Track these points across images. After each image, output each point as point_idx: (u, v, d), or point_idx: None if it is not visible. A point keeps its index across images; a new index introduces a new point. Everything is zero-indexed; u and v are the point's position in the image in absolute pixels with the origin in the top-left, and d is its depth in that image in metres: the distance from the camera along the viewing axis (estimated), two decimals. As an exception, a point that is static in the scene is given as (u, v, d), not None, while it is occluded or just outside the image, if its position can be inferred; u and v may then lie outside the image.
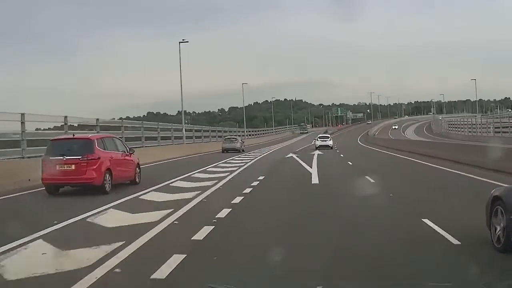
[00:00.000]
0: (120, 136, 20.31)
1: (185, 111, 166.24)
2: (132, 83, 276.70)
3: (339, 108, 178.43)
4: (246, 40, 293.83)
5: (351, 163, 24.64)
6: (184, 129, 40.11)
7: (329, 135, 55.61)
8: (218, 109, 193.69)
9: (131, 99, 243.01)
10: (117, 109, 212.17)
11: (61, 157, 13.09)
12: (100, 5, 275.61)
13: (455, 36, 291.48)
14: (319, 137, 51.78)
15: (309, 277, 5.41)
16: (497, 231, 6.54)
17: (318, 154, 34.76)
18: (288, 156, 32.49)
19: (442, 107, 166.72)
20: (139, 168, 15.82)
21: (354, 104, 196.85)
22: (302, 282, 5.20)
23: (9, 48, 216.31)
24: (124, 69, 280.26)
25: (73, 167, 13.09)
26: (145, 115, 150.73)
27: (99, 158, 13.36)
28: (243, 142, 44.15)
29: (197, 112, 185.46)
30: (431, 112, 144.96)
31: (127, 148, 15.61)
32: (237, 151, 39.19)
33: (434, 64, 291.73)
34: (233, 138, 44.08)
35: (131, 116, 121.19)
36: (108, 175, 13.54)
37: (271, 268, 5.75)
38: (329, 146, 47.36)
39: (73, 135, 14.59)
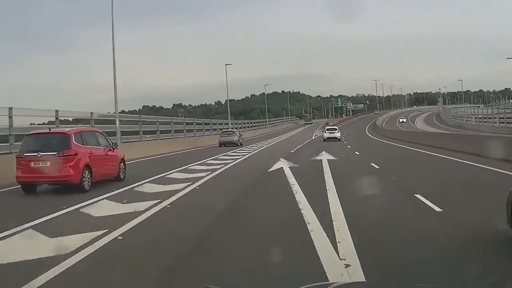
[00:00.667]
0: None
1: (180, 104, 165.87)
2: (126, 76, 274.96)
3: (339, 99, 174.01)
4: (244, 33, 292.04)
5: (430, 202, 9.09)
6: (117, 122, 27.52)
7: (336, 127, 55.13)
8: (215, 102, 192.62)
9: (126, 93, 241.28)
10: (111, 102, 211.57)
11: (36, 153, 12.24)
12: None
13: (454, 28, 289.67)
14: (327, 129, 51.89)
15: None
16: None
17: (328, 160, 20.87)
18: (274, 168, 17.47)
19: (444, 98, 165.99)
20: (124, 164, 14.95)
21: (353, 96, 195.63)
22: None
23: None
24: (119, 62, 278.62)
25: (48, 163, 12.24)
26: (141, 108, 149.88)
27: (76, 154, 12.49)
28: (241, 135, 43.13)
29: (193, 105, 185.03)
30: (438, 103, 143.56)
31: (110, 142, 14.70)
32: (234, 144, 38.27)
33: (433, 55, 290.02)
34: (230, 131, 43.20)
35: (126, 110, 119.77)
36: (87, 172, 12.69)
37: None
38: (337, 138, 47.45)
39: (49, 129, 13.65)
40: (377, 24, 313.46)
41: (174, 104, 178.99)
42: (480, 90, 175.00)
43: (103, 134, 14.87)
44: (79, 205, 9.89)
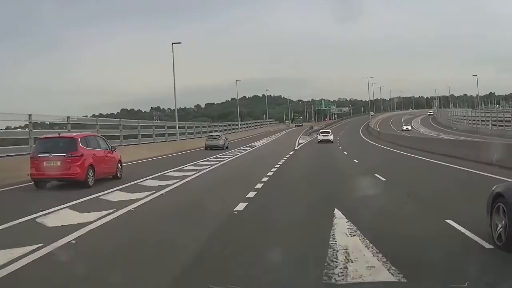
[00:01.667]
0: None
1: (158, 107, 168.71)
2: (105, 80, 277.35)
3: (323, 101, 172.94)
4: (224, 36, 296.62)
5: None
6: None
7: (329, 131, 61.87)
8: (194, 106, 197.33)
9: (105, 96, 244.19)
10: (89, 106, 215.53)
11: (48, 154, 15.14)
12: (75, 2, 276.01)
13: (441, 33, 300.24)
14: (321, 133, 59.11)
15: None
16: (498, 229, 6.66)
17: None
18: None
19: (431, 102, 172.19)
20: (121, 165, 17.99)
21: (335, 100, 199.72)
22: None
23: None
24: (98, 66, 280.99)
25: (58, 163, 15.15)
26: (119, 112, 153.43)
27: (82, 155, 15.42)
28: (226, 139, 45.80)
29: (171, 109, 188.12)
30: (434, 106, 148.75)
31: (109, 146, 17.73)
32: (220, 148, 41.06)
33: (418, 60, 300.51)
34: (216, 135, 46.01)
35: (104, 113, 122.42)
36: (91, 171, 15.61)
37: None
38: (330, 141, 53.42)
39: (59, 134, 16.63)
40: (363, 29, 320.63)
41: (152, 107, 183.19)
42: (465, 95, 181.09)
43: (103, 138, 17.93)
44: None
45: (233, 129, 76.84)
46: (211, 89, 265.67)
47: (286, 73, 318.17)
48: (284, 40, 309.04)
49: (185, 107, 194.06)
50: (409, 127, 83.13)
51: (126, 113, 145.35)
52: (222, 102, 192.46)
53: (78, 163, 15.22)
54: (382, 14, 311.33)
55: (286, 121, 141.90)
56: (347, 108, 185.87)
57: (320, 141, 53.51)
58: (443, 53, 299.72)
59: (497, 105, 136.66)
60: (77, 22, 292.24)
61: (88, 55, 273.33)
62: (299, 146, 47.03)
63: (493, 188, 7.11)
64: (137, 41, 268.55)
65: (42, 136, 16.63)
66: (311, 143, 54.58)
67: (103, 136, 19.24)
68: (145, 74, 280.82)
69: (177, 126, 45.75)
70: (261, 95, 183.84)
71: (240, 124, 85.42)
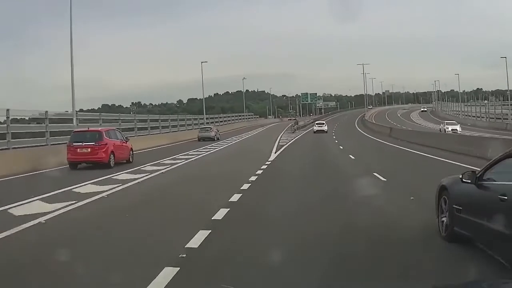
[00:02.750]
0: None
1: (139, 103, 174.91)
2: (86, 76, 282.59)
3: (308, 94, 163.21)
4: (208, 32, 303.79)
5: None
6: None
7: (324, 122, 72.68)
8: (177, 101, 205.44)
9: (85, 92, 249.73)
10: (69, 101, 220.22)
11: (81, 143, 21.66)
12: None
13: (427, 31, 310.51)
14: (316, 123, 69.67)
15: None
16: (443, 221, 7.27)
17: None
18: None
19: (418, 97, 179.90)
20: (132, 152, 24.59)
21: (319, 96, 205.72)
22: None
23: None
24: (79, 62, 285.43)
25: (89, 150, 21.72)
26: (100, 107, 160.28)
27: (106, 144, 22.00)
28: (218, 131, 52.00)
29: (153, 104, 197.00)
30: (434, 101, 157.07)
31: (124, 137, 24.33)
32: (212, 139, 47.34)
33: (403, 55, 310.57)
34: (208, 127, 52.46)
35: (84, 109, 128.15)
36: (112, 156, 22.15)
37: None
38: (325, 131, 62.57)
39: (88, 128, 23.20)
40: (353, 26, 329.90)
41: (132, 103, 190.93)
42: (452, 90, 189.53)
43: (120, 131, 24.54)
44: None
45: (196, 123, 60.44)
46: (196, 85, 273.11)
47: (270, 69, 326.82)
48: (269, 36, 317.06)
49: (167, 102, 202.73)
50: (458, 128, 57.02)
51: (108, 109, 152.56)
52: (205, 97, 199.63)
53: (104, 150, 21.80)
54: (372, 11, 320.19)
55: (269, 116, 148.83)
56: (334, 102, 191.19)
57: (316, 131, 63.20)
58: (433, 51, 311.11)
59: (485, 101, 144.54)
60: (61, 18, 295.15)
61: (70, 52, 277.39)
62: (278, 152, 31.05)
63: (440, 181, 7.66)
64: (120, 39, 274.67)
65: (76, 130, 23.21)
66: (299, 145, 40.93)
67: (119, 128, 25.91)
68: (126, 70, 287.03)
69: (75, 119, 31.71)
70: (244, 90, 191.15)
71: (206, 118, 70.93)
